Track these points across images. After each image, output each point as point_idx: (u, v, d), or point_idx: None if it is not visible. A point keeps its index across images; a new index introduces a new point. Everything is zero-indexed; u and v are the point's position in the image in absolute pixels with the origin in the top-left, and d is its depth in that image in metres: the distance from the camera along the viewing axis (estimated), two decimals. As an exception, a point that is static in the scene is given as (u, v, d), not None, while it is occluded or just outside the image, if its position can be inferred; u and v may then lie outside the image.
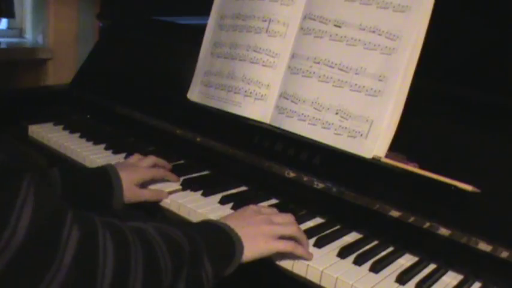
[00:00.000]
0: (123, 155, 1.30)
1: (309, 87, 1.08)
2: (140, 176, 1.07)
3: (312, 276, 0.88)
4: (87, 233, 0.65)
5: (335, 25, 1.06)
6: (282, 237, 0.88)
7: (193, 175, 1.21)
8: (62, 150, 1.35)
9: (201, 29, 1.30)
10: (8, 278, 0.58)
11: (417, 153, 0.96)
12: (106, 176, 1.03)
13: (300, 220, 1.03)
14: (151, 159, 1.15)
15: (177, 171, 1.17)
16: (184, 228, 0.80)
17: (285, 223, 0.92)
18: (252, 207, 0.94)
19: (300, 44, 1.11)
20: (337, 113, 1.04)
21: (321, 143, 1.05)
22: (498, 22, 1.04)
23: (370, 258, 0.92)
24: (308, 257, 0.89)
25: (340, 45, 1.05)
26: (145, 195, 1.07)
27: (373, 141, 0.99)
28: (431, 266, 0.93)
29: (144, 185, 1.08)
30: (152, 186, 1.11)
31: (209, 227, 0.86)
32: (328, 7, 1.07)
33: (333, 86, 1.05)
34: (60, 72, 1.83)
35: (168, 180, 1.14)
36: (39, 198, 0.61)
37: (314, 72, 1.07)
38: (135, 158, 1.15)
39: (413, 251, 0.96)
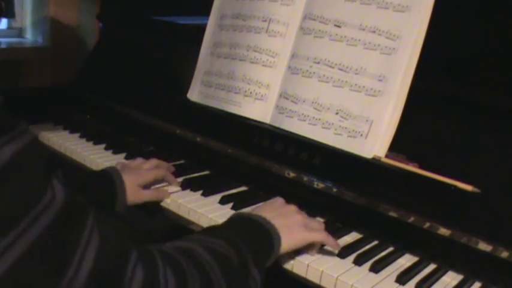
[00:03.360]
0: (123, 155, 1.30)
1: (309, 87, 1.08)
2: (143, 179, 1.07)
3: (312, 276, 0.88)
4: (150, 273, 0.64)
5: (335, 25, 1.06)
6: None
7: (193, 175, 1.21)
8: (62, 150, 1.35)
9: (201, 29, 1.30)
10: None
11: (417, 153, 0.96)
12: (110, 179, 1.03)
13: (300, 220, 1.04)
14: (154, 161, 1.15)
15: (177, 171, 1.17)
16: (226, 235, 0.79)
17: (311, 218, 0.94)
18: (279, 198, 0.96)
19: (300, 44, 1.11)
20: (337, 113, 1.04)
21: (321, 143, 1.05)
22: (498, 22, 1.04)
23: (370, 258, 0.92)
24: (337, 248, 0.91)
25: (340, 45, 1.05)
26: (148, 195, 1.07)
27: (373, 141, 0.99)
28: (431, 266, 0.93)
29: (146, 186, 1.09)
30: (153, 186, 1.11)
31: (247, 224, 0.85)
32: (328, 7, 1.07)
33: (333, 86, 1.05)
34: (60, 72, 1.83)
35: (168, 180, 1.14)
36: (104, 237, 0.60)
37: (314, 72, 1.07)
38: (138, 161, 1.15)
39: (413, 251, 0.96)
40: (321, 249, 0.93)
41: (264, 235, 0.84)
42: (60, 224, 0.56)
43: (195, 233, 0.81)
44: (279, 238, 0.84)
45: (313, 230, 0.90)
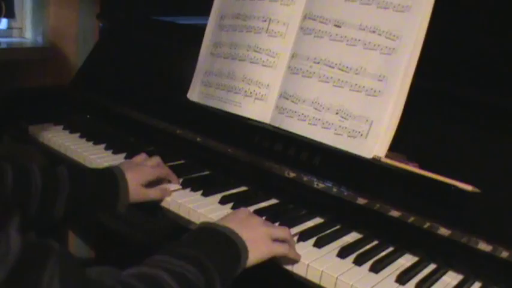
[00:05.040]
0: (123, 155, 1.31)
1: (309, 87, 1.08)
2: (146, 177, 1.08)
3: (312, 276, 0.88)
4: None
5: (335, 25, 1.06)
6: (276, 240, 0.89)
7: (193, 175, 1.21)
8: (61, 150, 1.35)
9: (201, 29, 1.30)
10: None
11: (417, 153, 0.96)
12: (113, 179, 1.03)
13: (300, 220, 1.04)
14: (156, 159, 1.15)
15: (177, 171, 1.17)
16: (194, 256, 0.77)
17: (276, 226, 0.93)
18: (243, 209, 0.94)
19: (300, 44, 1.11)
20: (337, 113, 1.04)
21: (321, 143, 1.05)
22: (498, 22, 1.04)
23: (370, 258, 0.92)
24: (298, 258, 0.89)
25: (340, 45, 1.05)
26: (151, 194, 1.07)
27: (373, 141, 0.99)
28: (431, 266, 0.93)
29: (148, 184, 1.09)
30: (155, 186, 1.11)
31: (215, 237, 0.83)
32: (328, 7, 1.07)
33: (333, 86, 1.05)
34: (60, 72, 1.83)
35: (168, 181, 1.14)
36: (65, 283, 0.58)
37: (314, 72, 1.07)
38: (141, 157, 1.16)
39: (413, 251, 0.96)
40: (321, 249, 0.93)
41: (231, 249, 0.82)
42: (18, 274, 0.54)
43: (161, 251, 0.78)
44: (246, 251, 0.83)
45: (278, 243, 0.88)
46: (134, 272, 0.71)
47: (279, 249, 0.87)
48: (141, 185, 1.06)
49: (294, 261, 0.89)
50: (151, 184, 1.09)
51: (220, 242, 0.82)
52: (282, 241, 0.89)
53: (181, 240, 0.82)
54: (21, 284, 0.55)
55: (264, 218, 1.02)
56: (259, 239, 0.86)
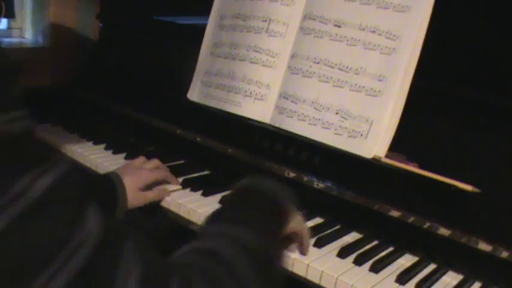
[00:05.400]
0: (123, 155, 1.30)
1: (309, 87, 1.08)
2: (144, 181, 1.07)
3: (312, 276, 0.88)
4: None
5: (335, 25, 1.06)
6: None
7: (193, 175, 1.21)
8: (61, 151, 1.35)
9: (201, 29, 1.29)
10: None
11: (417, 153, 0.96)
12: (110, 185, 1.03)
13: (300, 220, 1.04)
14: (155, 161, 1.15)
15: (177, 171, 1.17)
16: (244, 219, 0.72)
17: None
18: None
19: (300, 44, 1.11)
20: (337, 113, 1.03)
21: (321, 143, 1.05)
22: (498, 22, 1.04)
23: (370, 258, 0.92)
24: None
25: (340, 45, 1.05)
26: (149, 196, 1.07)
27: (373, 141, 0.99)
28: (431, 266, 0.93)
29: (147, 187, 1.08)
30: (154, 187, 1.11)
31: (261, 199, 0.80)
32: (328, 7, 1.07)
33: (333, 86, 1.05)
34: (60, 72, 1.83)
35: (169, 181, 1.14)
36: (146, 265, 0.56)
37: (314, 72, 1.07)
38: (140, 161, 1.15)
39: (413, 251, 0.96)
40: (321, 249, 0.93)
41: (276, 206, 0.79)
42: (97, 259, 0.53)
43: (218, 217, 0.74)
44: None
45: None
46: (190, 249, 0.67)
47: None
48: (139, 190, 1.05)
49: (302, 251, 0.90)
50: (150, 187, 1.09)
51: (266, 201, 0.79)
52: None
53: (232, 203, 0.80)
54: (100, 267, 0.53)
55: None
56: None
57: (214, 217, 0.76)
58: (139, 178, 1.07)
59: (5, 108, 0.51)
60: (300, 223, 0.85)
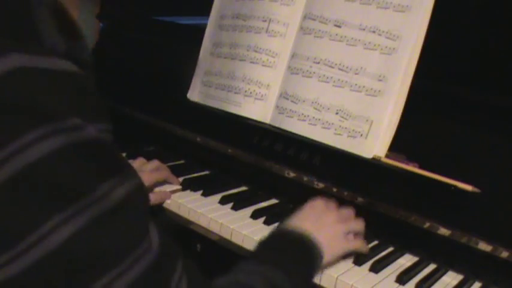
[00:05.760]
0: (123, 155, 1.30)
1: (309, 87, 1.08)
2: (144, 183, 1.07)
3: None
4: None
5: (335, 25, 1.06)
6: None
7: (193, 175, 1.21)
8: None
9: (201, 29, 1.30)
10: None
11: (417, 153, 0.96)
12: None
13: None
14: (155, 162, 1.15)
15: (177, 171, 1.17)
16: (283, 264, 0.77)
17: (351, 217, 0.94)
18: (320, 201, 0.94)
19: (300, 44, 1.11)
20: (337, 113, 1.03)
21: (321, 143, 1.05)
22: (498, 22, 1.04)
23: (370, 258, 0.92)
24: (366, 251, 0.93)
25: (340, 45, 1.05)
26: (151, 199, 1.07)
27: (373, 141, 0.99)
28: (431, 266, 0.93)
29: (147, 189, 1.08)
30: (154, 189, 1.11)
31: (294, 243, 0.83)
32: (328, 7, 1.07)
33: (333, 86, 1.05)
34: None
35: (170, 182, 1.14)
36: (192, 284, 0.60)
37: (314, 72, 1.07)
38: (139, 162, 1.15)
39: (413, 251, 0.96)
40: None
41: (309, 254, 0.82)
42: (155, 270, 0.56)
43: (250, 258, 0.78)
44: (321, 256, 0.83)
45: (351, 239, 0.90)
46: (232, 281, 0.72)
47: (353, 246, 0.90)
48: None
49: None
50: (151, 188, 1.09)
51: (300, 247, 0.83)
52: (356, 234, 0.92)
53: (263, 246, 0.83)
54: (159, 274, 0.57)
55: (264, 218, 1.02)
56: (334, 239, 0.87)
57: (256, 255, 0.81)
58: None
59: (99, 118, 0.57)
60: (343, 249, 0.89)
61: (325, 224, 0.88)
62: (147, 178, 1.08)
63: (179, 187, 1.13)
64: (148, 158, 1.16)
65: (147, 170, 1.12)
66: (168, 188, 1.12)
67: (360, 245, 0.91)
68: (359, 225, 0.94)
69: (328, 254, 0.85)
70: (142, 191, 0.58)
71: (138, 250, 0.54)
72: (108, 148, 0.55)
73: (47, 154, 0.49)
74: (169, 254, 0.59)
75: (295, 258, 0.80)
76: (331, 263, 0.87)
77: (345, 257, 0.91)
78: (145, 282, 0.55)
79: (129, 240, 0.54)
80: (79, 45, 0.61)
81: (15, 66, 0.49)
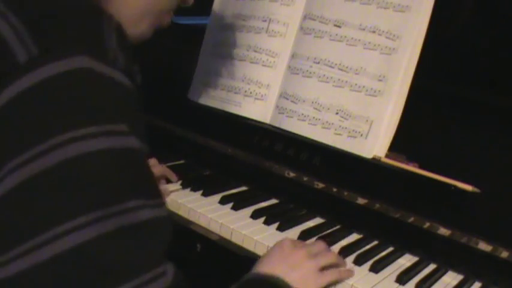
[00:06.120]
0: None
1: (309, 87, 1.08)
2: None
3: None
4: None
5: (335, 25, 1.06)
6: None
7: (193, 175, 1.21)
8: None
9: (201, 29, 1.29)
10: None
11: (417, 153, 0.96)
12: None
13: (300, 220, 1.04)
14: (152, 161, 1.15)
15: (177, 171, 1.17)
16: None
17: (322, 251, 0.88)
18: (286, 241, 0.88)
19: (300, 44, 1.11)
20: (337, 113, 1.03)
21: (321, 143, 1.05)
22: (498, 22, 1.04)
23: (370, 258, 0.92)
24: (351, 275, 0.87)
25: (340, 45, 1.05)
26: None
27: (373, 141, 0.99)
28: (431, 266, 0.93)
29: None
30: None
31: None
32: (328, 7, 1.07)
33: (333, 86, 1.05)
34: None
35: (168, 181, 1.14)
36: None
37: (314, 72, 1.07)
38: None
39: (413, 251, 0.96)
40: None
41: None
42: None
43: None
44: None
45: (326, 272, 0.85)
46: None
47: (329, 279, 0.85)
48: None
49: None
50: None
51: None
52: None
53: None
54: None
55: (264, 218, 1.02)
56: (308, 277, 0.83)
57: None
58: None
59: (143, 138, 0.59)
60: (318, 285, 0.84)
61: (295, 263, 0.83)
62: None
63: (179, 186, 1.13)
64: (148, 158, 1.16)
65: None
66: (167, 187, 1.12)
67: (336, 275, 0.85)
68: (331, 257, 0.87)
69: None
70: (169, 224, 0.59)
71: (152, 273, 0.55)
72: (146, 168, 0.58)
73: (93, 152, 0.51)
74: (180, 283, 0.60)
75: None
76: None
77: (345, 256, 0.91)
78: None
79: (146, 260, 0.55)
80: (135, 68, 0.66)
81: (84, 66, 0.53)
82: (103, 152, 0.51)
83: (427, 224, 0.92)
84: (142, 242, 0.54)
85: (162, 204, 0.59)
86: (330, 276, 0.84)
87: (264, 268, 0.82)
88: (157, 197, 0.58)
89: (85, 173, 0.51)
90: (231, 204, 1.06)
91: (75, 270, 0.51)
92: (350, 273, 0.87)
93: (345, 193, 1.01)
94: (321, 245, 0.89)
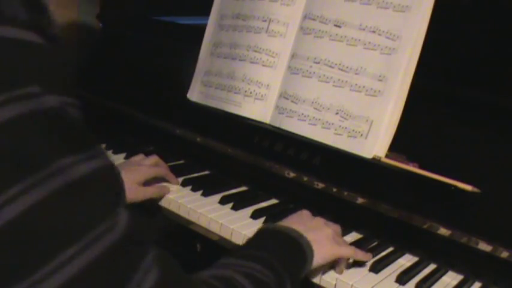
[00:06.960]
0: (123, 155, 1.31)
1: (309, 87, 1.08)
2: (143, 176, 1.07)
3: (312, 277, 0.88)
4: None
5: (335, 25, 1.06)
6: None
7: (193, 175, 1.21)
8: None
9: (201, 29, 1.30)
10: None
11: (417, 153, 0.96)
12: None
13: (300, 220, 1.03)
14: (155, 158, 1.16)
15: (177, 171, 1.17)
16: (264, 258, 0.75)
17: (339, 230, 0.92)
18: (306, 211, 0.92)
19: (300, 44, 1.11)
20: (337, 113, 1.04)
21: (321, 143, 1.05)
22: (498, 22, 1.04)
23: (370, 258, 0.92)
24: (368, 259, 0.89)
25: (340, 45, 1.05)
26: (149, 192, 1.07)
27: (373, 141, 0.99)
28: (431, 266, 0.93)
29: (147, 183, 1.09)
30: (153, 185, 1.11)
31: (280, 240, 0.81)
32: (328, 7, 1.07)
33: (333, 86, 1.05)
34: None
35: (168, 181, 1.14)
36: (165, 272, 0.57)
37: (314, 72, 1.07)
38: (139, 157, 1.16)
39: (413, 251, 0.96)
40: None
41: (298, 251, 0.80)
42: (117, 253, 0.53)
43: (230, 254, 0.77)
44: (311, 253, 0.81)
45: (342, 244, 0.88)
46: (209, 274, 0.69)
47: (345, 251, 0.87)
48: (138, 184, 1.06)
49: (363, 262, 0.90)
50: (150, 183, 1.09)
51: (287, 243, 0.81)
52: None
53: (246, 243, 0.82)
54: (120, 261, 0.53)
55: (264, 218, 1.02)
56: (324, 240, 0.85)
57: (233, 253, 0.78)
58: (138, 173, 1.07)
59: (65, 92, 0.54)
60: (334, 251, 0.86)
61: (313, 226, 0.86)
62: (146, 171, 1.09)
63: (179, 186, 1.13)
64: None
65: (146, 163, 1.12)
66: (167, 185, 1.12)
67: (352, 252, 0.88)
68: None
69: (319, 253, 0.83)
70: (113, 172, 0.56)
71: (98, 228, 0.51)
72: (72, 122, 0.53)
73: (3, 123, 0.47)
74: (138, 241, 0.56)
75: (282, 253, 0.79)
76: (322, 265, 0.85)
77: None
78: (105, 265, 0.52)
79: (89, 217, 0.51)
80: (45, 18, 0.58)
81: None
82: (15, 120, 0.48)
83: (427, 224, 0.92)
84: (85, 198, 0.51)
85: (98, 154, 0.55)
86: (345, 249, 0.87)
87: (284, 224, 0.85)
88: (91, 148, 0.54)
89: (2, 144, 0.47)
90: (231, 204, 1.07)
91: (16, 244, 0.48)
92: (366, 256, 0.89)
93: (345, 193, 1.01)
94: (336, 226, 0.93)
